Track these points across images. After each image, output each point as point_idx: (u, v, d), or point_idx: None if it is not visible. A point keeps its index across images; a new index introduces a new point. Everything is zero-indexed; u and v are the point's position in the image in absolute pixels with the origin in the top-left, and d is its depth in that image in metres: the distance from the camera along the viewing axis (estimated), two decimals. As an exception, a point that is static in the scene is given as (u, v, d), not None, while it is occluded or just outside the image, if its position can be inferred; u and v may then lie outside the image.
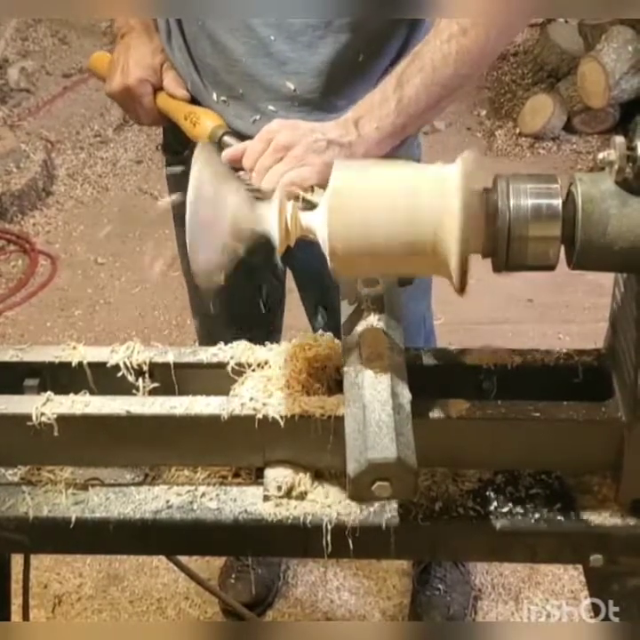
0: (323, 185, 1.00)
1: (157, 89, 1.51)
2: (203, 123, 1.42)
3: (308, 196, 1.16)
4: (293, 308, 1.92)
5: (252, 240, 0.98)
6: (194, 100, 1.49)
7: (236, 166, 1.26)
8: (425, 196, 0.91)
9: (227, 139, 1.37)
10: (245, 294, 1.74)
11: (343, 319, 1.08)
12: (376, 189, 0.93)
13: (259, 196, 1.06)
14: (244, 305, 1.76)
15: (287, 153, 1.21)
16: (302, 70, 1.40)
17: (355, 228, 0.92)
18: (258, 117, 1.42)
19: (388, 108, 1.25)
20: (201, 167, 0.95)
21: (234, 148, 1.30)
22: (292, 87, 1.41)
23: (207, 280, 0.98)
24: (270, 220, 0.97)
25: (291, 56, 1.40)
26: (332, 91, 1.39)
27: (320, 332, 1.15)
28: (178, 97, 1.49)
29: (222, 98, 1.47)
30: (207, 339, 1.76)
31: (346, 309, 1.09)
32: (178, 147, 1.52)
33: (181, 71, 1.51)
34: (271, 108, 1.43)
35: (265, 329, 1.81)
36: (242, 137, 1.34)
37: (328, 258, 0.94)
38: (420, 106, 1.26)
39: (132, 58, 1.50)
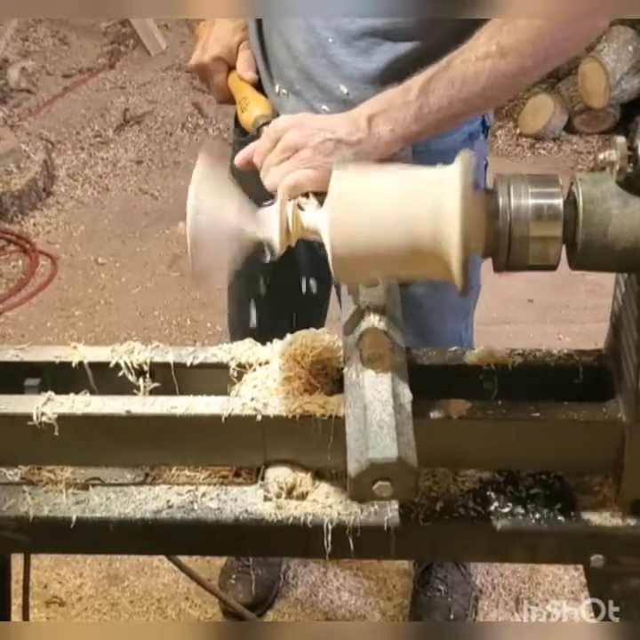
0: (326, 187, 1.00)
1: (232, 68, 1.53)
2: (250, 110, 1.43)
3: (305, 202, 1.15)
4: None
5: (252, 245, 0.99)
6: (261, 86, 1.51)
7: (247, 168, 1.27)
8: (424, 199, 0.91)
9: (265, 130, 1.37)
10: (289, 287, 1.74)
11: (344, 319, 1.08)
12: (376, 194, 0.93)
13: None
14: (287, 298, 1.75)
15: (294, 154, 1.21)
16: (356, 76, 1.41)
17: (356, 234, 0.92)
18: None
19: (407, 113, 1.22)
20: (200, 179, 0.96)
21: (245, 149, 1.30)
22: (346, 91, 1.42)
23: (206, 282, 1.00)
24: (271, 221, 0.97)
25: (346, 60, 1.40)
26: None
27: (322, 330, 1.15)
28: (245, 79, 1.50)
29: (283, 91, 1.49)
30: (242, 330, 1.74)
31: (347, 309, 1.09)
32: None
33: (255, 56, 1.52)
34: (325, 108, 1.43)
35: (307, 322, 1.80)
36: None
37: (331, 264, 0.94)
38: (439, 117, 1.24)
39: (213, 34, 1.53)
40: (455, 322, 1.74)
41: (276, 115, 1.42)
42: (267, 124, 1.37)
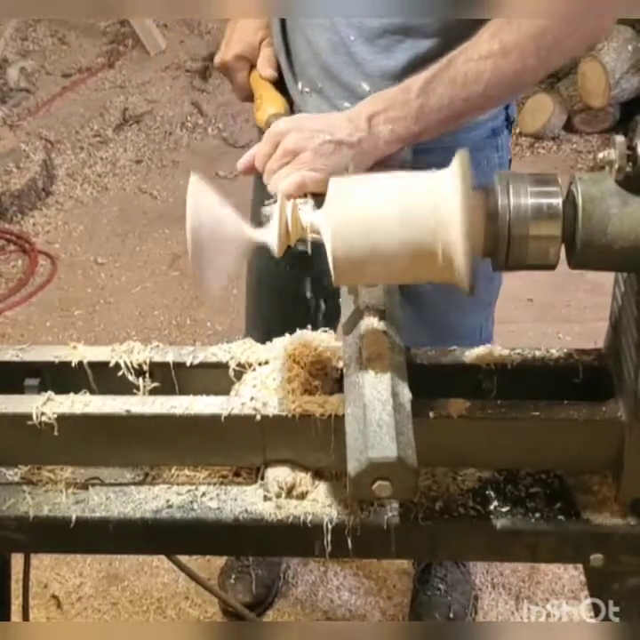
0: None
1: (254, 66, 1.53)
2: (264, 108, 1.43)
3: (302, 202, 1.15)
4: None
5: (252, 246, 0.99)
6: (281, 83, 1.51)
7: (250, 173, 1.27)
8: (423, 202, 0.91)
9: None
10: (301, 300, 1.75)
11: (343, 319, 1.08)
12: (376, 196, 0.93)
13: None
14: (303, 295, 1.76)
15: (294, 157, 1.21)
16: (378, 73, 1.40)
17: (356, 238, 0.92)
18: None
19: (408, 112, 1.22)
20: (195, 199, 0.96)
21: (245, 155, 1.29)
22: (368, 88, 1.41)
23: (212, 293, 1.01)
24: (271, 221, 0.98)
25: (368, 58, 1.40)
26: None
27: (321, 329, 1.15)
28: (264, 77, 1.50)
29: (306, 89, 1.49)
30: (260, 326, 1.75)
31: (346, 309, 1.09)
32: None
33: (277, 53, 1.52)
34: (347, 105, 1.42)
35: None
36: None
37: (331, 267, 0.94)
38: (440, 117, 1.24)
39: (237, 32, 1.53)
40: (476, 313, 1.73)
41: (289, 113, 1.42)
42: None
